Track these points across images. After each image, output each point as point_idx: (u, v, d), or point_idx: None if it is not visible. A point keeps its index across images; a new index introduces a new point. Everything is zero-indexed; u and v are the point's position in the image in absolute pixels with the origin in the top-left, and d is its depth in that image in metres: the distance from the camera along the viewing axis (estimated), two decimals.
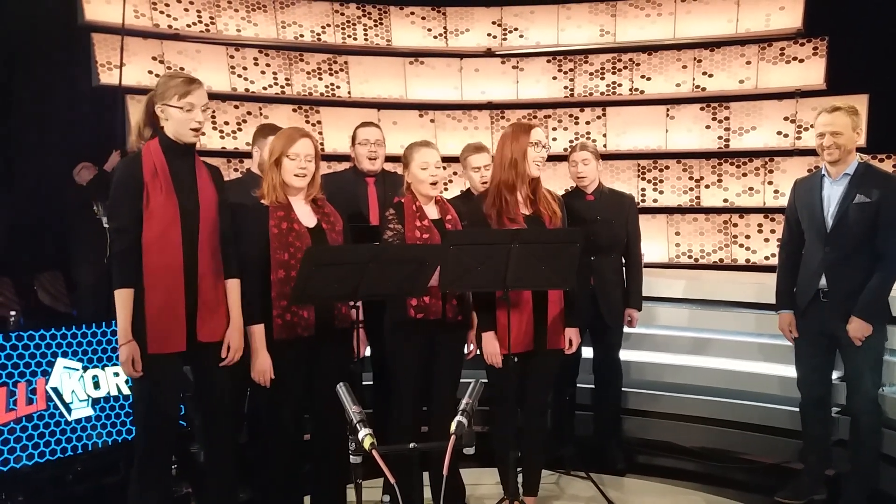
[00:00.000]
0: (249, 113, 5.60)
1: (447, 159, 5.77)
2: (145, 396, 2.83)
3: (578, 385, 4.29)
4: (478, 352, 3.32)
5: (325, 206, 3.16)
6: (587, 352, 4.18)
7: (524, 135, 3.14)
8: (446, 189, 5.74)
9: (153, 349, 2.77)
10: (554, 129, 5.88)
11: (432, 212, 3.30)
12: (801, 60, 5.45)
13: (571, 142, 5.80)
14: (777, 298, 3.67)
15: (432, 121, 5.91)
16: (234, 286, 2.96)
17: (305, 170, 3.03)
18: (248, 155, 3.82)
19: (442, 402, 3.30)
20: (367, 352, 3.55)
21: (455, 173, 5.86)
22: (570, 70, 5.91)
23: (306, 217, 3.08)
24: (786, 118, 5.44)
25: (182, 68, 5.46)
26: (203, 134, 3.13)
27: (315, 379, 3.09)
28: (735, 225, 5.43)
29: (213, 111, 5.53)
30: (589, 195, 4.02)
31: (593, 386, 4.26)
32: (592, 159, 3.99)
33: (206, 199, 2.86)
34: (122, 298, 2.75)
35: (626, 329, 4.10)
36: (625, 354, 4.22)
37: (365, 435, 1.99)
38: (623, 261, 4.08)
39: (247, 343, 3.01)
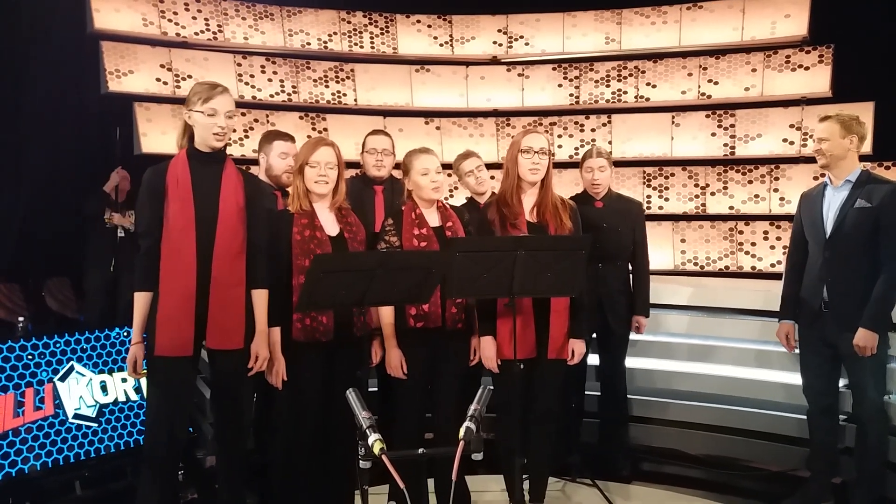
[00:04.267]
0: (256, 120, 5.63)
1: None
2: (152, 401, 2.87)
3: (584, 393, 4.28)
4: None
5: (350, 215, 3.20)
6: (593, 359, 4.17)
7: (516, 143, 3.20)
8: (451, 196, 5.76)
9: (160, 352, 2.82)
10: (559, 136, 5.89)
11: (433, 219, 3.29)
12: (807, 68, 5.46)
13: (577, 149, 5.82)
14: (780, 308, 3.69)
15: (438, 128, 5.93)
16: (260, 296, 2.97)
17: (326, 177, 3.09)
18: (256, 162, 3.84)
19: (445, 411, 3.28)
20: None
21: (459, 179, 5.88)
22: (576, 77, 5.93)
23: (329, 225, 3.13)
24: (791, 126, 5.44)
25: (189, 76, 5.50)
26: (229, 142, 3.14)
27: (331, 385, 3.09)
28: (741, 232, 5.43)
29: None
30: (598, 202, 4.02)
31: (599, 393, 4.25)
32: (608, 166, 4.00)
33: (227, 208, 2.86)
34: (139, 301, 2.83)
35: (632, 336, 4.10)
36: (630, 362, 4.21)
37: (375, 440, 2.00)
38: (629, 268, 4.08)
39: None
